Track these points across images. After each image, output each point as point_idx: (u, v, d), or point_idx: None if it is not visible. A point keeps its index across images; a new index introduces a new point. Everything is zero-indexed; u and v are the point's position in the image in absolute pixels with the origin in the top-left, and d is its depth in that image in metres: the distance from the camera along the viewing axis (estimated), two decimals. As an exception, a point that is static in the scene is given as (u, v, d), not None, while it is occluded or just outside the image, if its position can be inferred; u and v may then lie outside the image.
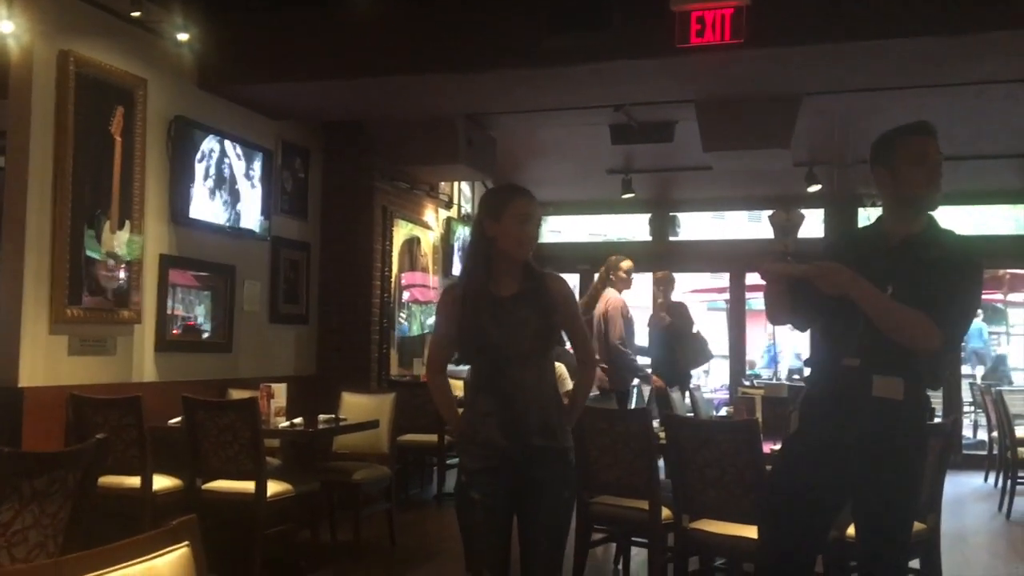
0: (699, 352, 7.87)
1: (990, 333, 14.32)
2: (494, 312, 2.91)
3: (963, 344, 13.59)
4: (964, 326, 2.83)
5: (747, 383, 9.04)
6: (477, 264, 2.99)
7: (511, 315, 2.91)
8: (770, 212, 2.93)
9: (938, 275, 2.69)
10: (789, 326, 3.17)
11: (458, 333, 2.97)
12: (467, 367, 3.17)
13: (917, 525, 3.90)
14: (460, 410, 3.16)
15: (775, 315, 3.05)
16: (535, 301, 2.94)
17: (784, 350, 13.71)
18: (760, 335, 14.42)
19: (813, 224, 10.52)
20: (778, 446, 3.69)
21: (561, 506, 2.97)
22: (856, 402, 2.74)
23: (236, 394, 5.73)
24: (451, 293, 3.05)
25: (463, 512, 2.94)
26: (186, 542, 1.39)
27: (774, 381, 10.00)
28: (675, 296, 8.18)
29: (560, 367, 5.70)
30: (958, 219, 10.76)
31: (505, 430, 2.87)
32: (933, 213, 2.89)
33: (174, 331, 6.05)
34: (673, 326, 7.67)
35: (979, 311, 13.85)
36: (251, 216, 6.69)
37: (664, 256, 10.66)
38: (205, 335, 6.40)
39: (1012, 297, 14.20)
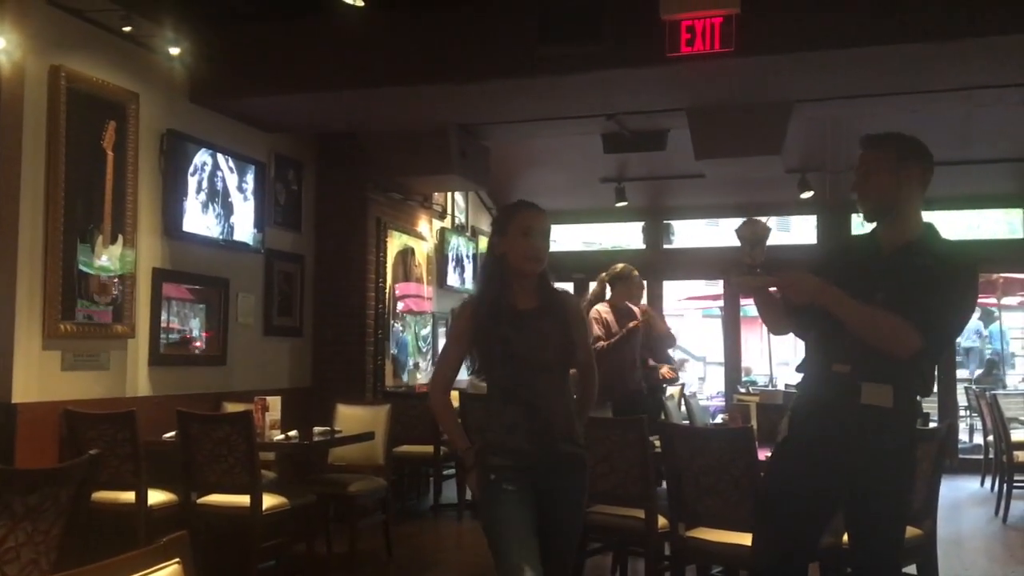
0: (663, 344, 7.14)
1: (977, 334, 14.33)
2: (516, 324, 2.92)
3: (988, 350, 13.64)
4: (949, 329, 2.81)
5: (743, 390, 9.05)
6: (491, 280, 3.00)
7: (533, 328, 2.93)
8: (736, 225, 2.92)
9: (926, 281, 2.69)
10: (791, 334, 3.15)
11: (477, 345, 2.96)
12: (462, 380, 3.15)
13: (913, 530, 3.91)
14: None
15: (771, 325, 3.06)
16: (554, 316, 2.97)
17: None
18: (756, 342, 14.44)
19: (807, 230, 10.55)
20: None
21: (579, 513, 3.03)
22: (845, 409, 2.74)
23: (231, 407, 5.72)
24: (466, 309, 3.04)
25: (494, 507, 2.86)
26: (177, 559, 1.38)
27: (769, 388, 10.02)
28: (668, 303, 8.08)
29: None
30: (951, 223, 10.79)
31: (532, 440, 2.89)
32: (931, 221, 2.90)
33: (168, 345, 6.04)
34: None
35: (997, 315, 13.89)
36: (244, 229, 6.69)
37: (658, 264, 10.69)
38: (199, 348, 6.39)
39: (1006, 301, 14.23)
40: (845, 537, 3.21)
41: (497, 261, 2.98)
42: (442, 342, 9.32)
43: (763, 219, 2.88)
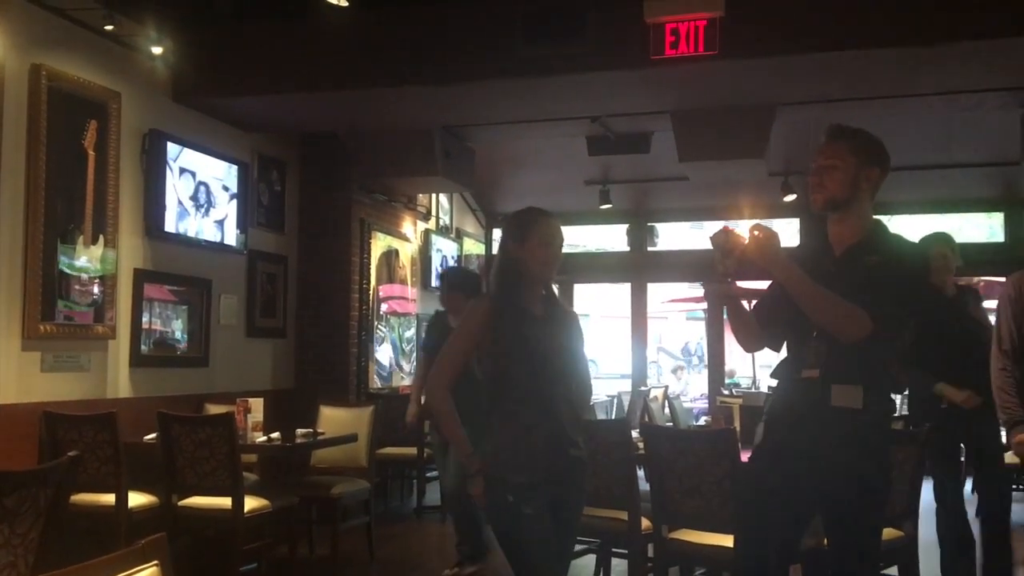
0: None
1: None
2: (536, 327, 2.97)
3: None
4: (897, 313, 2.74)
5: (726, 392, 9.08)
6: (507, 282, 3.01)
7: (548, 333, 2.98)
8: (712, 233, 2.90)
9: (877, 276, 2.69)
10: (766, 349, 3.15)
11: (496, 343, 2.95)
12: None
13: (895, 532, 3.93)
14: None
15: (743, 340, 3.06)
16: (560, 324, 3.04)
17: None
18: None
19: (789, 234, 10.58)
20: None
21: (580, 515, 3.10)
22: (816, 413, 2.75)
23: (213, 409, 5.69)
24: (483, 305, 3.04)
25: (516, 534, 2.88)
26: (155, 561, 1.38)
27: (752, 390, 10.05)
28: (651, 306, 8.13)
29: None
30: (933, 227, 10.81)
31: (550, 442, 2.92)
32: (882, 219, 2.91)
33: (149, 346, 5.99)
34: None
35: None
36: (227, 229, 6.65)
37: (642, 266, 10.70)
38: (181, 350, 6.35)
39: (987, 304, 14.32)
40: (826, 539, 3.22)
41: (513, 264, 3.01)
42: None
43: (738, 230, 2.87)
